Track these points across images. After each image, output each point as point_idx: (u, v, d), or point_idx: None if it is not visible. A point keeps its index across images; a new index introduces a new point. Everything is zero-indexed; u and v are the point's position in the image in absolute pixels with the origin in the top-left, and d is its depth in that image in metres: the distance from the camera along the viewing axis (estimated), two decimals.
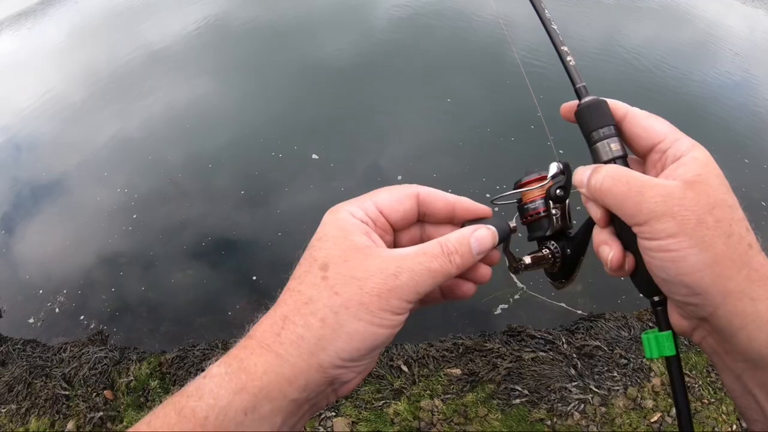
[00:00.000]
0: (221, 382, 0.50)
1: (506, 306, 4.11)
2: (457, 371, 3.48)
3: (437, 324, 3.95)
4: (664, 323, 0.66)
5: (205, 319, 4.08)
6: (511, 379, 3.44)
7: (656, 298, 0.66)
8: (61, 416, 3.46)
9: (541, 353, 3.57)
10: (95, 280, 4.48)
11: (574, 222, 0.76)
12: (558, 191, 0.73)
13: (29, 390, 3.61)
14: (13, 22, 10.98)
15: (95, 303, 4.26)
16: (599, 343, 3.62)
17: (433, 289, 0.58)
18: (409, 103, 6.33)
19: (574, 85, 0.71)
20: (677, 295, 0.59)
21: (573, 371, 3.49)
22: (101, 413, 3.43)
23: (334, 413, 3.28)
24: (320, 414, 3.26)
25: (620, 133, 0.67)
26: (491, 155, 5.50)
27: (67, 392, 3.56)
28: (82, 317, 4.15)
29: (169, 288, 4.38)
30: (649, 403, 3.35)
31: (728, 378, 0.62)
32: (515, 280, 4.26)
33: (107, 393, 3.54)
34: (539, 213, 0.75)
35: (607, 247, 0.65)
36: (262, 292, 4.23)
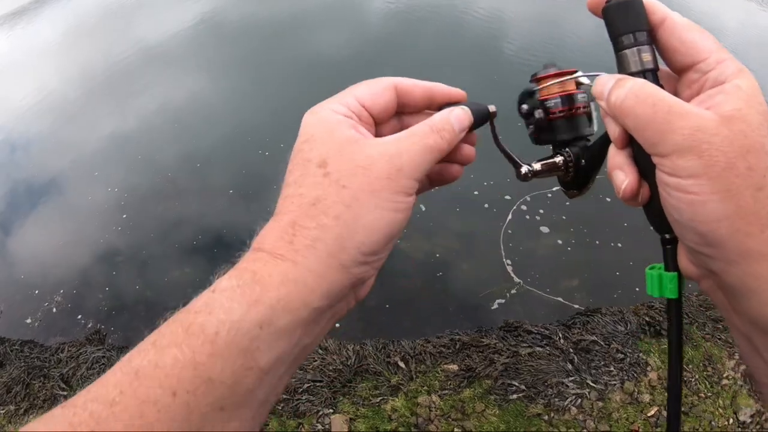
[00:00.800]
0: (233, 296, 0.47)
1: (503, 301, 4.12)
2: (454, 367, 3.49)
3: (434, 320, 3.96)
4: (671, 264, 0.59)
5: None
6: (508, 374, 3.45)
7: (667, 236, 0.59)
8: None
9: (538, 348, 3.58)
10: (92, 280, 4.48)
11: (595, 128, 0.69)
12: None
13: (27, 391, 3.61)
14: (6, 20, 10.94)
15: (92, 302, 4.26)
16: (596, 338, 3.63)
17: (431, 168, 0.57)
18: None
19: None
20: (689, 241, 0.53)
21: (570, 366, 3.50)
22: None
23: (331, 410, 3.28)
24: (318, 411, 3.27)
25: (654, 42, 0.58)
26: (481, 151, 5.49)
27: (65, 393, 3.56)
28: (79, 317, 4.14)
29: (166, 286, 4.38)
30: (646, 398, 3.36)
31: (736, 333, 0.56)
32: (511, 274, 4.27)
33: None
34: (584, 107, 0.68)
35: (621, 173, 0.58)
36: None
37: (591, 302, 4.02)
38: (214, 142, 5.87)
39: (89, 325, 4.08)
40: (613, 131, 0.57)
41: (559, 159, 0.69)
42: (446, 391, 3.38)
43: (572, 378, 3.43)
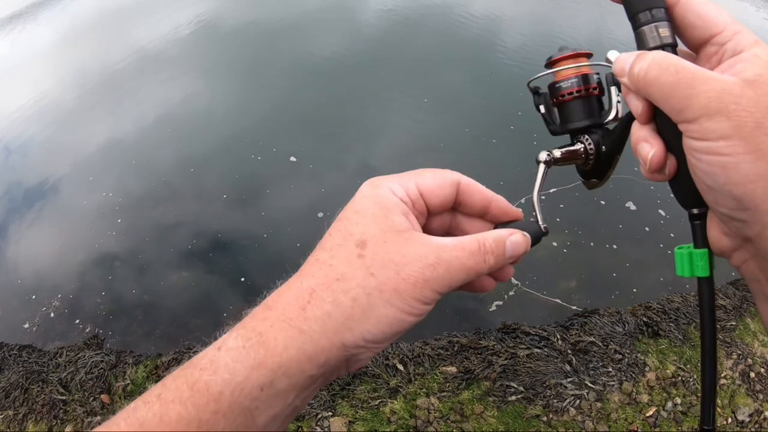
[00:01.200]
0: (238, 357, 0.49)
1: (501, 303, 4.12)
2: (453, 369, 3.49)
3: (432, 322, 3.95)
4: (701, 240, 0.58)
5: (200, 320, 4.08)
6: (506, 376, 3.45)
7: (695, 211, 0.58)
8: (59, 421, 3.46)
9: (536, 350, 3.58)
10: (89, 284, 4.48)
11: (612, 114, 0.69)
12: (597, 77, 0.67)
13: (26, 396, 3.61)
14: (5, 25, 10.95)
15: (90, 307, 4.26)
16: (594, 339, 3.64)
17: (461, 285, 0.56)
18: (388, 103, 6.37)
19: None
20: (723, 207, 0.52)
21: (568, 367, 3.50)
22: (98, 417, 3.42)
23: (330, 413, 3.28)
24: (317, 414, 3.27)
25: (671, 20, 0.58)
26: (474, 154, 5.54)
27: (63, 397, 3.56)
28: (77, 321, 4.14)
29: (163, 290, 4.38)
30: (645, 398, 3.37)
31: (766, 309, 0.56)
32: (514, 280, 4.27)
33: (104, 397, 3.54)
34: (572, 93, 0.68)
35: (647, 145, 0.57)
36: (255, 292, 4.25)
37: (588, 303, 4.03)
38: (208, 146, 5.90)
39: (87, 330, 4.07)
40: (636, 107, 0.57)
41: (579, 146, 0.70)
42: (445, 393, 3.38)
43: (570, 379, 3.44)
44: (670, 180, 0.59)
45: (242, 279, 4.39)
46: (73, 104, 7.39)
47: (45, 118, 7.19)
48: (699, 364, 2.82)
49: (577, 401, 3.34)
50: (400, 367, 3.49)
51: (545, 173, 0.70)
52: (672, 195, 0.61)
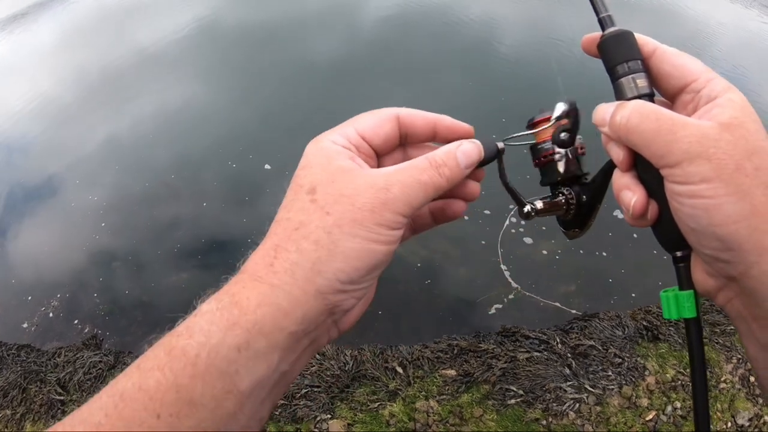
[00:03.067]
0: (212, 319, 0.48)
1: (500, 306, 4.12)
2: (452, 372, 3.48)
3: (431, 325, 3.96)
4: (686, 282, 0.60)
5: None
6: (506, 379, 3.45)
7: (679, 254, 0.60)
8: (56, 422, 3.44)
9: (536, 353, 3.58)
10: (88, 284, 4.47)
11: (588, 172, 0.72)
12: (563, 134, 0.68)
13: (24, 395, 3.60)
14: (6, 25, 10.96)
15: (89, 306, 4.25)
16: (594, 343, 3.63)
17: (424, 205, 0.57)
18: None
19: (597, 14, 0.64)
20: (707, 249, 0.53)
21: (568, 371, 3.50)
22: None
23: (329, 416, 3.28)
24: (316, 417, 3.26)
25: (648, 71, 0.61)
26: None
27: (62, 397, 3.55)
28: (76, 321, 4.13)
29: (162, 290, 4.38)
30: (644, 402, 3.37)
31: (752, 347, 0.56)
32: (509, 279, 4.27)
33: None
34: (551, 155, 0.70)
35: (629, 192, 0.59)
36: None
37: (588, 307, 4.03)
38: (204, 145, 5.91)
39: (86, 330, 4.06)
40: (617, 154, 0.60)
41: (560, 198, 0.71)
42: (444, 397, 3.37)
43: (570, 383, 3.43)
44: (652, 225, 0.61)
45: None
46: (71, 104, 7.39)
47: (42, 116, 7.19)
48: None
49: (577, 405, 3.33)
50: (400, 369, 3.49)
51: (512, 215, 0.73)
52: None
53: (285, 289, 0.49)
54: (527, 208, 0.71)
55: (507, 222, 4.73)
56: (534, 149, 0.72)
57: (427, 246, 4.58)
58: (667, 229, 0.59)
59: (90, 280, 4.50)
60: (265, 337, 0.48)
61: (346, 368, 3.46)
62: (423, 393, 3.39)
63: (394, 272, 4.32)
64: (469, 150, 0.59)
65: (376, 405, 3.32)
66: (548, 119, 0.69)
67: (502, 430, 3.23)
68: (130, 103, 6.82)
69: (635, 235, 4.53)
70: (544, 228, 4.69)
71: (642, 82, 0.60)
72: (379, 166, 0.61)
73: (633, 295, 4.15)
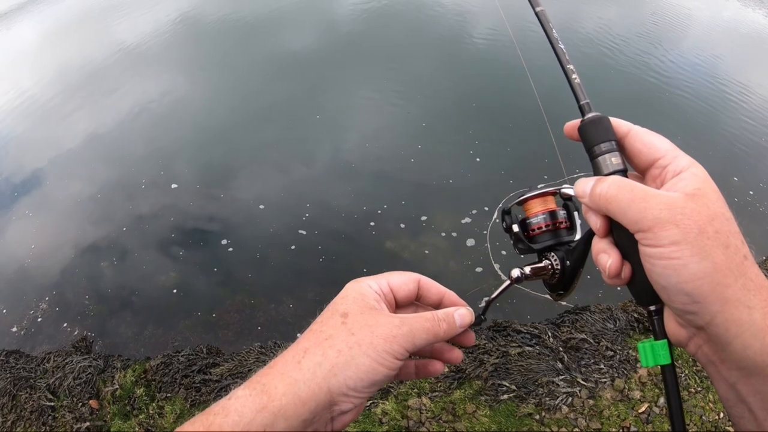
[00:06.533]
0: (246, 402, 0.61)
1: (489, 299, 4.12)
2: (444, 369, 3.47)
3: None
4: (660, 332, 0.66)
5: (188, 321, 4.06)
6: (498, 374, 3.45)
7: (653, 308, 0.67)
8: (48, 428, 3.44)
9: (528, 348, 3.57)
10: (77, 287, 4.45)
11: (572, 239, 0.81)
12: (562, 213, 0.81)
13: (14, 402, 3.58)
14: None
15: (77, 309, 4.23)
16: (585, 336, 3.63)
17: (424, 347, 0.70)
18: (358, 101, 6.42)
19: (578, 101, 0.74)
20: (677, 303, 0.60)
21: (560, 365, 3.50)
22: (87, 423, 3.41)
23: None
24: None
25: (621, 149, 0.70)
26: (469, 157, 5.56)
27: (52, 403, 3.53)
28: (65, 324, 4.11)
29: (151, 292, 4.36)
30: (637, 394, 3.37)
31: (722, 387, 0.63)
32: (499, 272, 4.27)
33: (93, 403, 3.52)
34: (541, 228, 0.81)
35: (605, 255, 0.68)
36: (249, 292, 4.25)
37: (578, 300, 4.02)
38: (190, 137, 5.93)
39: (75, 333, 4.04)
40: (595, 223, 0.69)
41: (546, 263, 0.80)
42: (436, 393, 3.37)
43: (563, 377, 3.44)
44: (627, 283, 0.69)
45: (223, 279, 4.42)
46: (57, 101, 7.37)
47: (25, 114, 7.18)
48: (690, 360, 2.81)
49: (570, 399, 3.34)
50: None
51: (507, 288, 0.83)
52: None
53: (306, 383, 0.62)
54: (516, 272, 0.81)
55: (496, 215, 4.74)
56: (524, 222, 0.83)
57: (416, 239, 4.58)
58: (641, 287, 0.66)
59: (79, 282, 4.49)
60: (286, 420, 0.61)
61: None
62: (415, 390, 3.39)
63: (384, 266, 4.32)
64: (464, 314, 0.76)
65: (369, 403, 3.31)
66: (546, 195, 0.81)
67: (495, 426, 3.23)
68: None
69: None
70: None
71: (616, 159, 0.69)
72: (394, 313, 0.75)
73: (618, 290, 4.16)
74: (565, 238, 0.81)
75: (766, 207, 5.12)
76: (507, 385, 3.40)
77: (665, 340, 0.66)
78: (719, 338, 0.58)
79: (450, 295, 0.81)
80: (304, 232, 4.71)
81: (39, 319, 4.17)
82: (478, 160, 5.45)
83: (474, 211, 4.81)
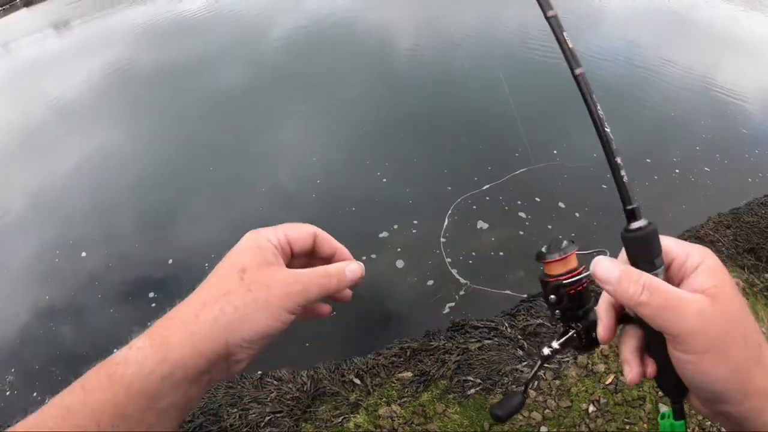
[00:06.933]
0: (146, 354, 0.62)
1: (453, 304, 4.20)
2: (409, 374, 3.53)
3: (381, 332, 4.02)
4: (680, 415, 0.74)
5: None
6: (461, 371, 3.51)
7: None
8: None
9: (487, 341, 3.64)
10: (40, 354, 4.43)
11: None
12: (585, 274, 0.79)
13: None
14: None
15: (45, 377, 4.20)
16: (542, 321, 3.71)
17: (316, 300, 0.74)
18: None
19: (624, 205, 0.71)
20: (704, 397, 0.68)
21: (521, 352, 3.57)
22: None
23: None
24: None
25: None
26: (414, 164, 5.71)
27: None
28: (35, 394, 4.09)
29: (119, 347, 4.33)
30: (601, 367, 3.43)
31: None
32: (457, 276, 4.36)
33: None
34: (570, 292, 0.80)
35: (627, 367, 0.74)
36: None
37: (531, 288, 4.13)
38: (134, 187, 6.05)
39: (46, 400, 3.98)
40: (610, 319, 0.75)
41: (572, 333, 0.82)
42: (405, 399, 3.41)
43: (525, 363, 3.50)
44: (656, 378, 0.74)
45: None
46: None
47: None
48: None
49: (536, 382, 3.39)
50: (357, 381, 3.53)
51: (541, 366, 0.88)
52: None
53: (204, 336, 0.65)
54: (546, 350, 0.84)
55: (447, 221, 4.86)
56: (558, 286, 0.80)
57: (373, 257, 4.66)
58: (669, 381, 0.71)
59: (43, 348, 4.47)
60: (183, 370, 0.63)
61: (305, 389, 3.50)
62: (384, 399, 3.43)
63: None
64: (354, 269, 0.79)
65: (341, 419, 3.35)
66: (564, 261, 0.79)
67: (467, 421, 3.28)
68: None
69: (572, 232, 4.69)
70: (485, 220, 4.82)
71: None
72: (289, 265, 0.77)
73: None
74: (588, 303, 0.81)
75: (696, 175, 5.36)
76: (472, 379, 3.45)
77: (683, 421, 0.74)
78: (738, 421, 0.65)
79: (342, 250, 0.84)
80: None
81: (7, 393, 4.15)
82: (417, 171, 5.63)
83: (423, 221, 4.94)
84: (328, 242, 0.82)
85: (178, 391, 0.63)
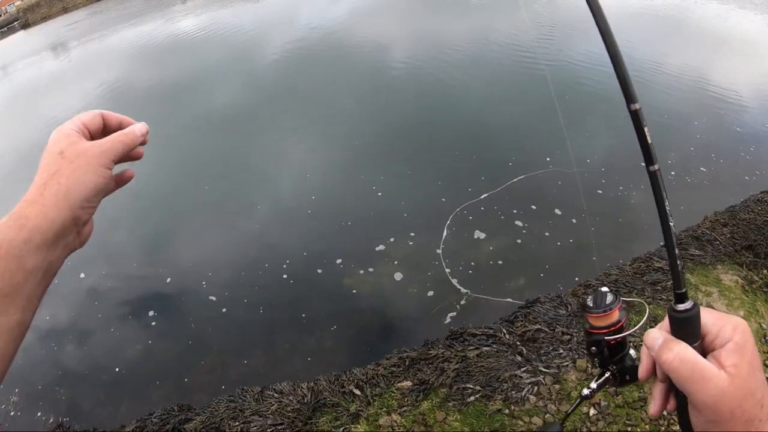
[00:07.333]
0: (10, 225, 0.74)
1: (454, 314, 4.22)
2: (408, 383, 3.54)
3: (380, 342, 4.04)
4: None
5: (163, 390, 4.10)
6: (461, 379, 3.51)
7: None
8: None
9: (485, 348, 3.65)
10: (43, 374, 4.48)
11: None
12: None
13: None
14: None
15: (48, 396, 4.25)
16: (540, 326, 3.72)
17: (123, 155, 0.88)
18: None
19: (675, 289, 0.83)
20: None
21: (519, 358, 3.57)
22: None
23: None
24: None
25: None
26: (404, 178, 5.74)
27: None
28: (39, 414, 4.12)
29: (119, 367, 4.41)
30: None
31: None
32: (457, 286, 4.38)
33: None
34: (610, 342, 0.92)
35: (654, 402, 0.85)
36: (218, 352, 4.31)
37: (527, 295, 4.15)
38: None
39: (50, 420, 4.05)
40: (648, 366, 0.85)
41: (608, 375, 0.94)
42: (405, 408, 3.42)
43: (524, 368, 3.50)
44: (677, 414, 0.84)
45: (189, 342, 4.47)
46: None
47: None
48: (648, 328, 2.93)
49: (535, 388, 3.40)
50: (357, 391, 3.55)
51: (580, 403, 1.02)
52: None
53: (51, 206, 0.77)
54: (586, 391, 0.96)
55: (446, 232, 4.89)
56: (600, 340, 0.93)
57: (373, 272, 4.69)
58: (683, 416, 0.80)
59: (46, 369, 4.51)
60: (41, 234, 0.75)
61: (305, 400, 3.52)
62: (384, 409, 3.44)
63: (346, 303, 4.44)
64: (140, 126, 0.94)
65: (341, 430, 3.36)
66: (607, 315, 0.92)
67: (468, 428, 3.28)
68: None
69: (570, 240, 4.71)
70: (482, 230, 4.84)
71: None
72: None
73: (576, 279, 4.28)
74: (627, 349, 0.95)
75: (692, 175, 5.39)
76: (471, 387, 3.45)
77: None
78: None
79: (127, 120, 0.97)
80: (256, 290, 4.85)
81: (12, 413, 4.19)
82: (411, 184, 5.67)
83: (419, 233, 4.97)
84: (114, 117, 0.95)
85: (39, 255, 0.75)
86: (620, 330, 0.91)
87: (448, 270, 4.55)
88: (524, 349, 3.61)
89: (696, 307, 0.80)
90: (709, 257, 4.21)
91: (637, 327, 0.97)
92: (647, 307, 0.91)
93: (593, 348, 0.92)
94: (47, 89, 10.45)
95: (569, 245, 4.63)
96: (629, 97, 0.78)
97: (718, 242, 4.37)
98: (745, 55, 8.14)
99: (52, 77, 11.25)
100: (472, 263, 4.62)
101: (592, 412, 3.27)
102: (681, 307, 0.80)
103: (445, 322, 4.16)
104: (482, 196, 5.20)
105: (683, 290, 0.81)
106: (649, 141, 0.77)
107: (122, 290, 5.10)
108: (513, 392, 3.39)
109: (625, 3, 10.33)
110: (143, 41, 12.41)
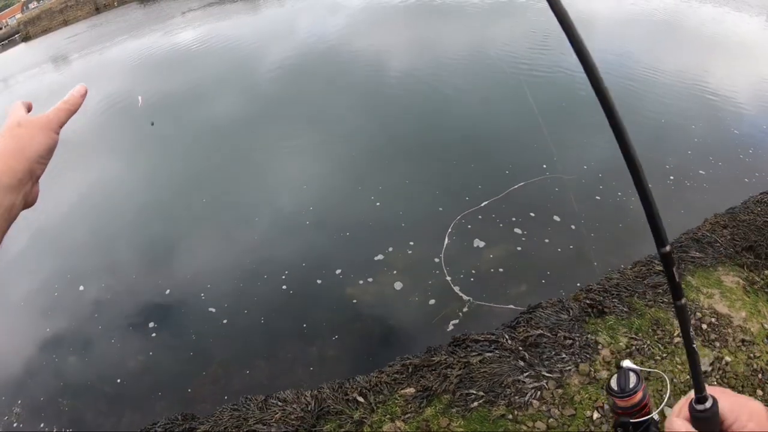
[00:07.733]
0: None
1: (457, 321, 4.22)
2: (411, 390, 3.54)
3: (382, 350, 4.04)
4: None
5: (165, 401, 4.10)
6: (464, 384, 3.51)
7: None
8: None
9: (488, 354, 3.65)
10: (46, 386, 4.48)
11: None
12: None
13: None
14: None
15: (51, 408, 4.25)
16: (542, 331, 3.72)
17: (67, 120, 1.00)
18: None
19: (696, 393, 0.89)
20: None
21: (522, 363, 3.57)
22: None
23: None
24: None
25: None
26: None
27: None
28: (42, 425, 4.12)
29: (120, 378, 4.41)
30: (604, 374, 3.43)
31: None
32: (459, 293, 4.39)
33: None
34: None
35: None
36: (220, 363, 4.31)
37: (529, 300, 4.15)
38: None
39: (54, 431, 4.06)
40: None
41: None
42: (409, 415, 3.42)
43: (527, 373, 3.50)
44: None
45: (191, 353, 4.47)
46: None
47: None
48: (649, 330, 2.93)
49: (538, 393, 3.39)
50: (361, 399, 3.54)
51: None
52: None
53: (11, 157, 0.89)
54: None
55: (447, 241, 4.90)
56: (625, 422, 1.15)
57: (375, 282, 4.70)
58: None
59: (49, 381, 4.52)
60: (8, 178, 0.86)
61: (309, 408, 3.52)
62: (387, 416, 3.43)
63: (347, 312, 4.45)
64: (79, 89, 1.04)
65: None
66: (630, 399, 1.19)
67: None
68: None
69: (570, 246, 4.72)
70: (482, 239, 4.85)
71: None
72: None
73: (577, 284, 4.28)
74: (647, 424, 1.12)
75: (691, 179, 5.40)
76: (474, 392, 3.45)
77: None
78: None
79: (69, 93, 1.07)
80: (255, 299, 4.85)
81: (15, 425, 4.19)
82: (408, 193, 5.69)
83: (418, 242, 4.98)
84: (29, 105, 1.05)
85: (7, 195, 0.86)
86: (643, 409, 1.09)
87: (449, 278, 4.56)
88: (527, 354, 3.61)
89: (715, 405, 0.87)
90: (710, 259, 4.22)
91: (661, 406, 1.15)
92: (668, 381, 1.03)
93: (619, 429, 1.11)
94: (48, 101, 10.51)
95: (569, 251, 4.65)
96: (660, 241, 0.82)
97: (718, 244, 4.38)
98: (741, 57, 8.17)
99: (53, 89, 11.34)
100: (473, 271, 4.63)
101: (596, 415, 3.27)
102: (701, 407, 0.88)
103: (448, 329, 4.17)
104: (482, 204, 5.21)
105: (704, 393, 0.88)
106: (677, 279, 0.84)
107: (122, 302, 5.11)
108: (516, 397, 3.39)
109: (621, 8, 10.37)
110: (143, 53, 12.50)
